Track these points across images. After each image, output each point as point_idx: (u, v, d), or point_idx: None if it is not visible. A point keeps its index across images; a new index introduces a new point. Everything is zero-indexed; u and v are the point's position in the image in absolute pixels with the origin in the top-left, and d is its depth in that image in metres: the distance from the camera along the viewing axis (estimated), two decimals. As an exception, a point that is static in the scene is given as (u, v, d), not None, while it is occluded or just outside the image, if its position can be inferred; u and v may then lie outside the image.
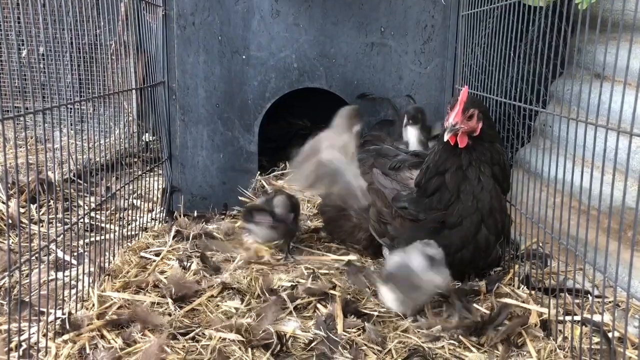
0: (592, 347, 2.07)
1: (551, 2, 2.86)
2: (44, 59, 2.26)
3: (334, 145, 2.81)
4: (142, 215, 3.34)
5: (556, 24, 2.38)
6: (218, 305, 2.41)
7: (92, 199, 3.33)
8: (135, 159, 4.00)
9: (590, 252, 2.03)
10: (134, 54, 3.61)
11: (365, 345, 2.13)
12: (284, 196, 2.97)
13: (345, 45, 3.60)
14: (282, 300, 2.42)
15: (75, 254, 2.73)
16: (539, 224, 2.46)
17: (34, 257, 2.03)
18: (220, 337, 2.13)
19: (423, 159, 2.79)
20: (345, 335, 2.18)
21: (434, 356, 2.09)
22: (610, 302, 2.37)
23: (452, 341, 2.17)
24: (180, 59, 3.52)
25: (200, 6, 3.47)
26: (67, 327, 2.12)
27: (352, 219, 2.90)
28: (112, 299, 2.38)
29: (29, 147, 3.01)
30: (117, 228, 2.97)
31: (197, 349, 2.09)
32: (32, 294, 2.20)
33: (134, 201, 3.35)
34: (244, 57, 3.56)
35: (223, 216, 3.55)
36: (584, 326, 2.17)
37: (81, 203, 3.27)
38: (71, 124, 3.61)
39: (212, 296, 2.48)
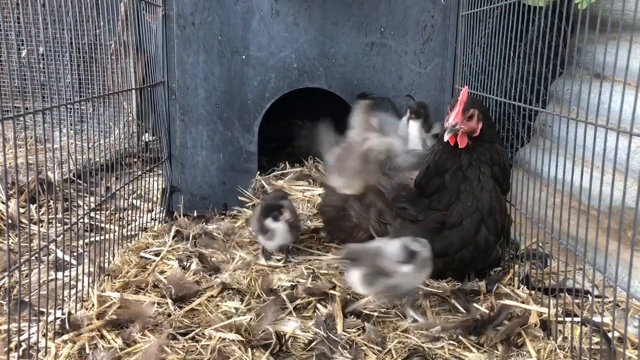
0: (592, 347, 2.07)
1: (551, 2, 2.86)
2: (43, 59, 2.26)
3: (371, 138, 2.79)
4: (141, 215, 3.34)
5: (556, 23, 2.38)
6: (218, 305, 2.41)
7: (92, 199, 3.33)
8: (135, 159, 4.00)
9: (590, 252, 2.03)
10: (133, 54, 3.61)
11: (365, 345, 2.13)
12: (288, 200, 2.97)
13: (345, 45, 3.60)
14: (281, 300, 2.42)
15: (75, 254, 2.73)
16: (538, 224, 2.46)
17: (33, 257, 2.03)
18: (220, 337, 2.13)
19: (423, 159, 2.79)
20: (345, 335, 2.18)
21: (433, 356, 2.09)
22: (610, 302, 2.37)
23: (451, 341, 2.17)
24: (180, 59, 3.52)
25: (200, 6, 3.47)
26: (67, 327, 2.12)
27: (352, 218, 2.90)
28: (111, 299, 2.38)
29: (28, 147, 3.01)
30: (116, 228, 2.97)
31: (197, 349, 2.08)
32: (31, 294, 2.19)
33: (134, 201, 3.35)
34: (243, 57, 3.56)
35: (223, 216, 3.55)
36: (583, 326, 2.16)
37: (81, 203, 3.27)
38: (71, 124, 3.61)
39: (211, 296, 2.47)
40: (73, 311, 2.24)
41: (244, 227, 3.32)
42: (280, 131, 5.40)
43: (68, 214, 3.32)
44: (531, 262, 2.70)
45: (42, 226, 3.22)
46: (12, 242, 3.00)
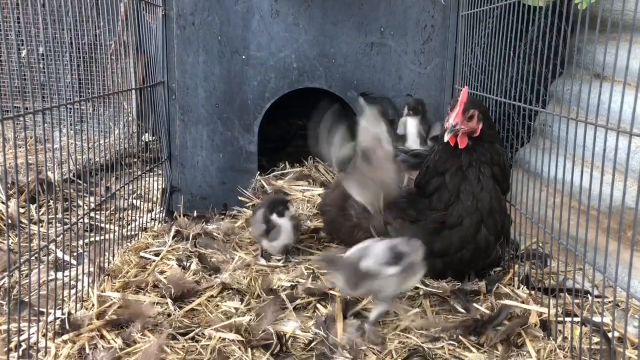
0: (592, 347, 2.07)
1: (551, 2, 2.86)
2: (43, 59, 2.26)
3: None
4: (141, 215, 3.34)
5: (556, 23, 2.38)
6: (218, 306, 2.41)
7: (92, 199, 3.33)
8: (135, 159, 4.00)
9: (590, 252, 2.03)
10: (133, 54, 3.61)
11: (365, 345, 2.13)
12: (289, 201, 2.97)
13: (344, 45, 3.60)
14: (281, 300, 2.42)
15: (75, 254, 2.73)
16: (538, 224, 2.46)
17: (33, 257, 2.03)
18: (219, 337, 2.13)
19: (422, 159, 2.79)
20: (345, 336, 2.18)
21: (433, 356, 2.09)
22: (610, 302, 2.37)
23: (451, 341, 2.17)
24: (180, 59, 3.52)
25: (200, 6, 3.47)
26: (67, 327, 2.12)
27: (352, 218, 2.90)
28: (111, 299, 2.38)
29: (28, 147, 3.01)
30: (116, 228, 2.97)
31: (196, 349, 2.09)
32: (31, 294, 2.19)
33: (134, 201, 3.35)
34: (243, 57, 3.56)
35: (223, 216, 3.55)
36: (583, 326, 2.16)
37: (81, 203, 3.27)
38: (71, 124, 3.61)
39: (211, 296, 2.47)
40: (73, 311, 2.24)
41: (244, 227, 3.32)
42: (280, 131, 5.41)
43: (68, 214, 3.32)
44: (531, 262, 2.70)
45: (42, 226, 3.22)
46: (12, 242, 3.00)
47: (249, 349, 2.08)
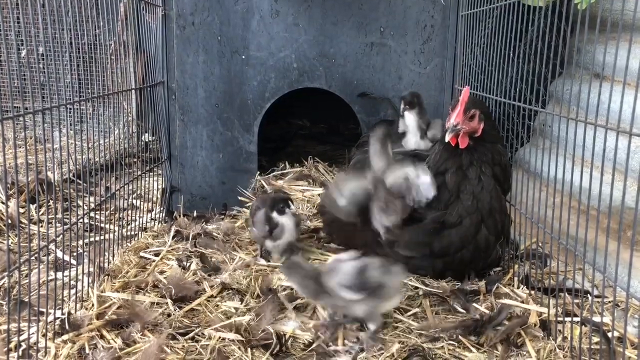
0: (592, 347, 2.07)
1: (550, 2, 2.86)
2: (43, 59, 2.26)
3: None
4: (141, 215, 3.34)
5: (555, 23, 2.38)
6: (217, 306, 2.41)
7: (92, 199, 3.33)
8: (135, 159, 4.00)
9: (589, 252, 2.03)
10: (133, 54, 3.62)
11: (365, 345, 2.13)
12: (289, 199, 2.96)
13: (344, 45, 3.60)
14: (281, 300, 2.42)
15: (75, 254, 2.73)
16: (538, 223, 2.46)
17: (33, 257, 2.03)
18: (219, 337, 2.13)
19: (422, 159, 2.78)
20: (344, 336, 2.18)
21: (433, 356, 2.09)
22: (609, 302, 2.37)
23: (451, 341, 2.17)
24: (180, 59, 3.52)
25: (200, 6, 3.47)
26: (67, 327, 2.12)
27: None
28: (111, 299, 2.38)
29: (28, 147, 3.01)
30: (116, 228, 2.97)
31: (196, 349, 2.09)
32: (31, 294, 2.19)
33: (134, 201, 3.35)
34: (243, 57, 3.56)
35: (223, 216, 3.55)
36: (583, 326, 2.16)
37: (80, 203, 3.27)
38: (71, 124, 3.61)
39: (211, 296, 2.47)
40: (73, 311, 2.24)
41: (244, 227, 3.31)
42: (280, 131, 5.42)
43: (68, 214, 3.32)
44: (531, 262, 2.70)
45: (41, 226, 3.22)
46: (11, 242, 3.00)
47: (249, 349, 2.08)
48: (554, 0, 2.86)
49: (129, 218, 3.19)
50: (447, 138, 2.51)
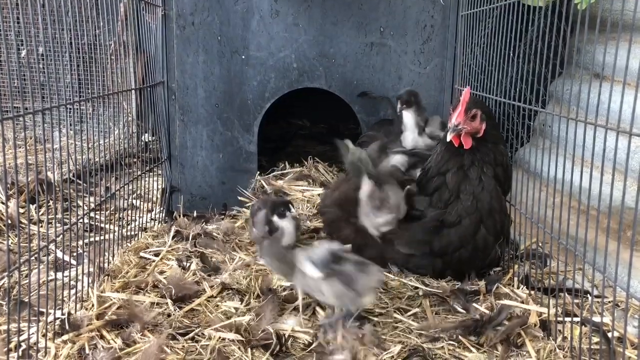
0: (592, 347, 2.07)
1: (550, 2, 2.86)
2: (43, 59, 2.26)
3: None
4: (141, 215, 3.34)
5: (555, 24, 2.38)
6: (217, 306, 2.41)
7: (92, 199, 3.33)
8: (135, 159, 4.00)
9: (589, 252, 2.03)
10: (133, 54, 3.61)
11: (365, 345, 2.13)
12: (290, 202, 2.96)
13: (344, 45, 3.60)
14: (280, 300, 2.42)
15: (75, 254, 2.73)
16: (538, 223, 2.46)
17: (33, 258, 2.03)
18: (219, 337, 2.13)
19: (421, 157, 2.78)
20: (344, 336, 2.18)
21: (433, 356, 2.09)
22: (609, 302, 2.37)
23: (451, 341, 2.17)
24: (180, 59, 3.52)
25: (200, 6, 3.47)
26: (67, 327, 2.12)
27: (352, 219, 2.90)
28: (111, 299, 2.38)
29: (28, 148, 3.01)
30: (116, 228, 2.97)
31: (196, 349, 2.08)
32: (31, 294, 2.19)
33: (134, 201, 3.35)
34: (243, 57, 3.56)
35: (222, 216, 3.55)
36: (583, 326, 2.16)
37: (80, 203, 3.27)
38: (70, 124, 3.61)
39: (211, 296, 2.47)
40: (73, 311, 2.24)
41: (244, 227, 3.31)
42: (280, 131, 5.42)
43: (68, 214, 3.32)
44: (531, 262, 2.70)
45: (41, 226, 3.22)
46: (11, 243, 3.00)
47: (249, 349, 2.08)
48: (553, 0, 2.86)
49: (129, 218, 3.19)
50: (449, 137, 2.51)
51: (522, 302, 2.42)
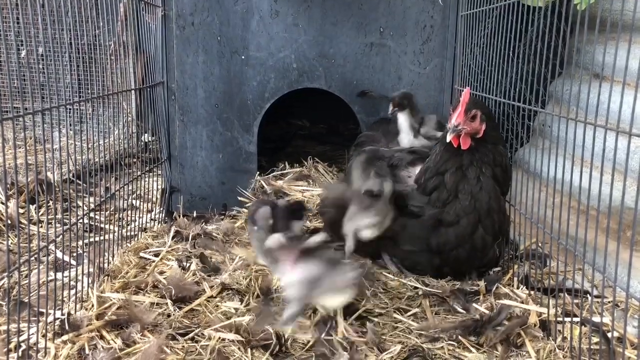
0: (592, 347, 2.07)
1: (550, 3, 2.86)
2: (43, 60, 2.26)
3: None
4: (141, 215, 3.34)
5: (555, 24, 2.39)
6: (217, 306, 2.41)
7: (92, 199, 3.32)
8: (135, 160, 4.00)
9: (589, 252, 2.03)
10: (133, 55, 3.61)
11: (365, 345, 2.13)
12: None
13: (344, 46, 3.60)
14: (280, 301, 2.42)
15: (75, 254, 2.73)
16: (538, 224, 2.47)
17: (33, 258, 2.03)
18: (219, 338, 2.13)
19: (420, 155, 2.79)
20: (344, 336, 2.18)
21: (433, 356, 2.09)
22: (609, 302, 2.37)
23: (451, 341, 2.17)
24: (180, 59, 3.52)
25: (200, 6, 3.47)
26: (67, 327, 2.12)
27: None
28: (111, 300, 2.38)
29: (28, 148, 3.01)
30: (116, 228, 2.97)
31: (196, 349, 2.08)
32: (31, 295, 2.19)
33: (133, 202, 3.35)
34: (243, 57, 3.56)
35: (222, 216, 3.55)
36: (583, 326, 2.17)
37: (80, 203, 3.27)
38: (70, 125, 3.61)
39: (211, 297, 2.47)
40: (72, 312, 2.24)
41: (244, 228, 3.31)
42: (280, 131, 5.42)
43: (67, 215, 3.31)
44: (530, 262, 2.70)
45: (41, 226, 3.22)
46: (11, 243, 3.00)
47: (249, 349, 2.08)
48: (553, 1, 2.86)
49: (129, 218, 3.19)
50: (449, 138, 2.51)
51: (522, 302, 2.42)
